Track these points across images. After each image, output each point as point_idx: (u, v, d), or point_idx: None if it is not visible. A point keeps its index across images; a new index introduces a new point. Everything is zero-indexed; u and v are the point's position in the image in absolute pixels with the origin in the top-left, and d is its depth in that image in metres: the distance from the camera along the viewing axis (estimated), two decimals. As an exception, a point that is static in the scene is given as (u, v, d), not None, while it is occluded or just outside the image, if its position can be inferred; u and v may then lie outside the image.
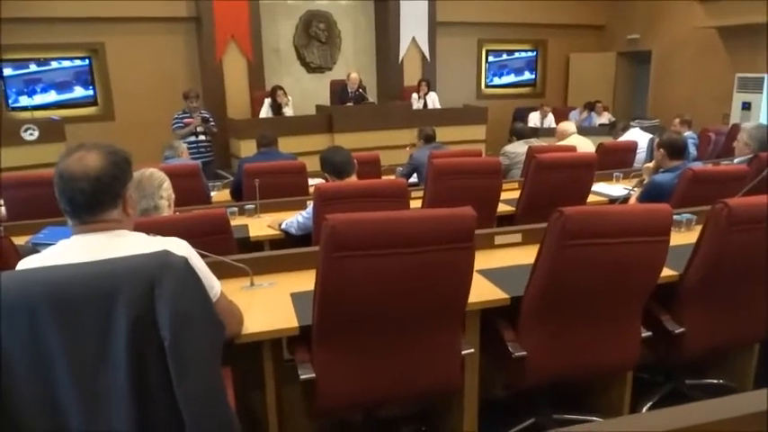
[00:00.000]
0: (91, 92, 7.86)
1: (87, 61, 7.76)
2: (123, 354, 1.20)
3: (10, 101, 7.41)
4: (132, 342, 1.20)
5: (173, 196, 2.42)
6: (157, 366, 1.23)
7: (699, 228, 2.26)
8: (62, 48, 7.55)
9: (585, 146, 5.06)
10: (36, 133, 6.27)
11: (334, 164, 3.09)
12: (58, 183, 1.40)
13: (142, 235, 1.46)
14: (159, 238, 1.48)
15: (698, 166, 3.58)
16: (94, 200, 1.41)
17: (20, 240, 2.70)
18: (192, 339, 1.24)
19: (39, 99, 7.55)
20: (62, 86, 7.71)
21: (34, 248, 2.46)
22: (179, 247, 1.37)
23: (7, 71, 7.35)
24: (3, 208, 3.75)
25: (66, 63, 7.67)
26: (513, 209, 3.75)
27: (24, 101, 7.43)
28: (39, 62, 7.52)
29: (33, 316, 1.16)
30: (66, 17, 7.21)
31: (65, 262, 1.27)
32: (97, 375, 1.22)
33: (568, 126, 5.60)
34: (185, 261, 1.25)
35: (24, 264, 1.41)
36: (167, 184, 2.35)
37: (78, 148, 1.42)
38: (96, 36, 7.60)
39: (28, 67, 7.48)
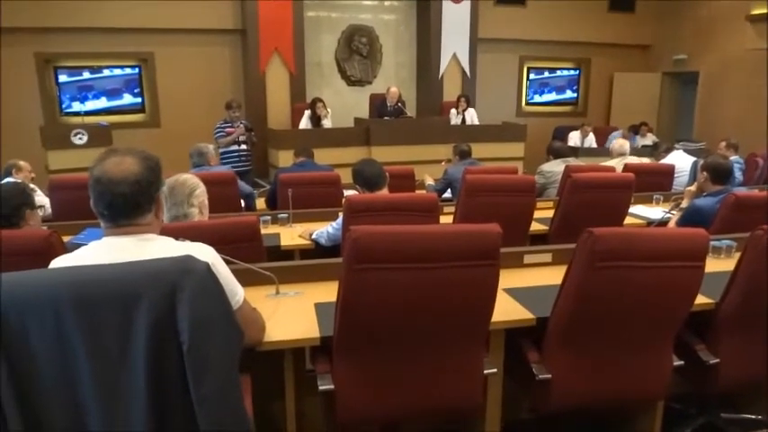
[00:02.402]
0: (139, 99, 8.14)
1: (137, 70, 8.05)
2: (143, 356, 1.22)
3: (63, 106, 7.74)
4: (152, 345, 1.22)
5: (206, 203, 2.45)
6: (176, 370, 1.25)
7: (739, 255, 2.17)
8: (114, 56, 7.86)
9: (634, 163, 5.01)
10: (85, 138, 6.51)
11: (366, 176, 3.12)
12: (95, 187, 1.43)
13: (170, 239, 1.49)
14: (186, 242, 1.51)
15: (742, 191, 3.45)
16: (133, 203, 1.44)
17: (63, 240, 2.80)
18: (211, 345, 1.25)
19: (90, 105, 7.86)
20: (112, 93, 8.01)
21: (74, 248, 2.54)
22: (204, 252, 1.39)
23: (62, 78, 7.70)
24: (49, 208, 3.90)
25: (117, 71, 7.98)
26: (547, 228, 3.69)
27: (77, 106, 7.74)
28: (92, 70, 7.84)
29: (58, 315, 1.19)
30: (118, 27, 7.51)
31: (92, 263, 1.30)
32: (118, 376, 1.24)
33: (621, 145, 5.55)
34: (207, 267, 1.27)
35: (55, 263, 1.46)
36: (200, 190, 2.37)
37: (112, 154, 1.45)
38: (146, 46, 7.88)
39: (81, 75, 7.81)
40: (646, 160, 5.55)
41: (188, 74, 8.04)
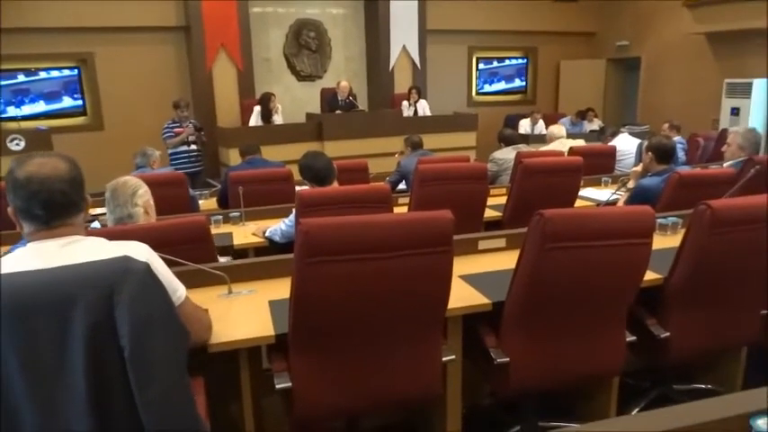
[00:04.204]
0: (80, 102, 7.81)
1: (76, 71, 7.73)
2: (81, 363, 1.17)
3: (-2, 111, 7.38)
4: (91, 351, 1.17)
5: (151, 203, 2.37)
6: (118, 375, 1.20)
7: (684, 231, 2.23)
8: (51, 58, 7.52)
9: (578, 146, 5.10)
10: (22, 143, 6.22)
11: (315, 171, 3.05)
12: (25, 188, 1.33)
13: (100, 239, 1.41)
14: (118, 242, 1.43)
15: (685, 169, 3.56)
16: (71, 201, 1.38)
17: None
18: (154, 346, 1.21)
19: (27, 109, 7.51)
20: (51, 97, 7.66)
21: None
22: (139, 251, 1.33)
23: (-5, 82, 7.32)
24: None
25: (55, 73, 7.63)
26: (501, 215, 3.73)
27: (12, 111, 7.38)
28: (27, 72, 7.48)
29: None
30: (54, 27, 7.18)
31: (21, 270, 1.22)
32: (55, 385, 1.19)
33: (558, 129, 5.63)
34: (146, 266, 1.22)
35: None
36: (143, 190, 2.30)
37: (31, 157, 1.38)
38: (85, 46, 7.57)
39: (16, 78, 7.44)
40: (581, 142, 5.67)
41: (131, 74, 7.76)
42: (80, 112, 7.84)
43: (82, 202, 1.42)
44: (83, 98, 7.82)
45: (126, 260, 1.19)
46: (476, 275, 2.29)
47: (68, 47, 7.50)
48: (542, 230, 1.78)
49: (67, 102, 7.76)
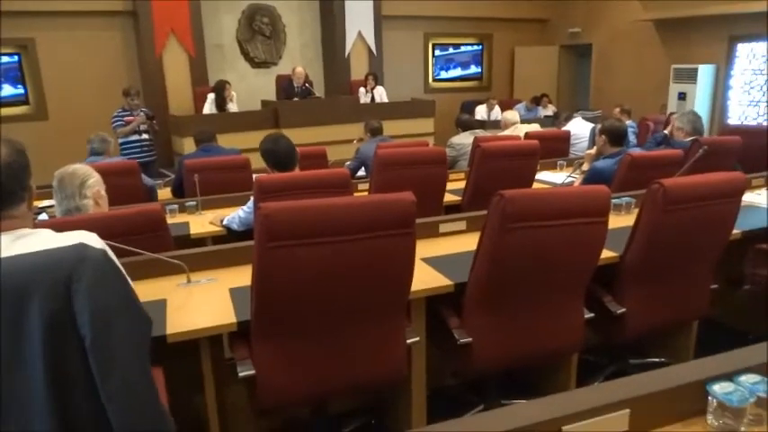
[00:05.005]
0: (21, 90, 7.47)
1: (16, 58, 7.37)
2: (39, 356, 1.12)
3: (-68, 100, 6.98)
4: (49, 342, 1.12)
5: (102, 194, 2.27)
6: (78, 365, 1.15)
7: (637, 211, 2.29)
8: (-12, 44, 7.15)
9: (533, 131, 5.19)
10: (-40, 134, 5.90)
11: (278, 155, 2.98)
12: None
13: (48, 231, 1.31)
14: (69, 233, 1.36)
15: (637, 151, 3.66)
16: (8, 190, 1.25)
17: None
18: (115, 335, 1.16)
19: (-36, 98, 7.14)
20: (-11, 85, 7.31)
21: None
22: (92, 239, 1.27)
23: (-72, 69, 6.92)
24: None
25: (-7, 60, 7.27)
26: (460, 198, 3.75)
27: (-52, 100, 7.01)
28: (-37, 59, 7.11)
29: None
30: (-9, 11, 6.83)
31: None
32: (12, 380, 1.13)
33: (512, 115, 5.70)
34: (104, 253, 1.17)
35: None
36: (93, 180, 2.19)
37: None
38: (26, 31, 7.22)
39: (-49, 65, 7.07)
40: (536, 127, 5.78)
41: (76, 61, 7.47)
42: (22, 100, 7.50)
43: (22, 192, 1.29)
44: (24, 86, 7.47)
45: (83, 247, 1.14)
46: (437, 258, 2.30)
47: (7, 32, 7.11)
48: (502, 211, 1.80)
49: (8, 90, 7.40)
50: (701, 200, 2.10)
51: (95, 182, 2.22)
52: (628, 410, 1.04)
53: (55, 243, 1.19)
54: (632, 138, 5.45)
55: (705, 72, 7.86)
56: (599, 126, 3.80)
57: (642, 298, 2.26)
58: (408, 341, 1.93)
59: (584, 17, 9.85)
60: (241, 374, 1.71)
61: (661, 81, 8.34)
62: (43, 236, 1.26)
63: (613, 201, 2.90)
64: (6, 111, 7.30)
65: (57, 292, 1.11)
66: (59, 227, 1.47)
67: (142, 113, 6.05)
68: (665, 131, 4.52)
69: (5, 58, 7.31)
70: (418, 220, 1.72)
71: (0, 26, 6.93)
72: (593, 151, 3.72)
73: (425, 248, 2.34)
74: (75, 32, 7.43)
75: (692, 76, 7.91)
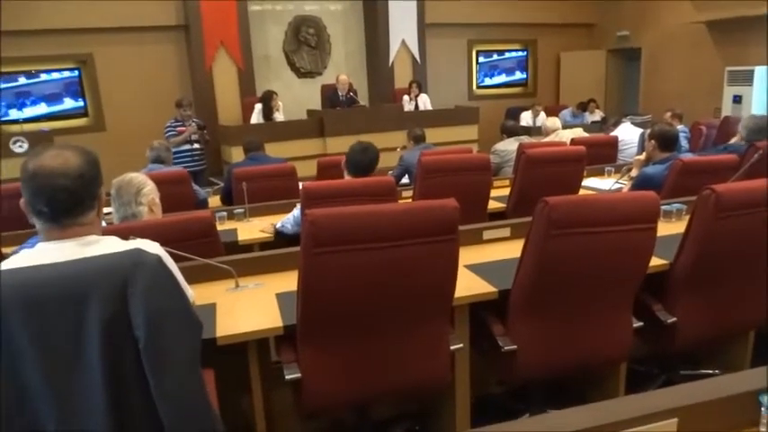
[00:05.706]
0: (81, 103, 7.83)
1: (77, 72, 7.74)
2: (97, 355, 1.18)
3: (0, 114, 7.39)
4: (106, 342, 1.18)
5: (156, 201, 2.36)
6: (133, 366, 1.21)
7: (688, 217, 2.23)
8: (51, 60, 7.52)
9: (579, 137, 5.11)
10: (25, 145, 6.24)
11: (356, 164, 3.06)
12: (31, 182, 1.29)
13: (115, 238, 1.39)
14: (133, 241, 1.43)
15: (688, 156, 3.56)
16: (77, 199, 1.32)
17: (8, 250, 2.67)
18: (168, 338, 1.21)
19: (29, 112, 7.52)
20: (52, 98, 7.67)
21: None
22: (151, 247, 1.34)
23: (-4, 85, 7.34)
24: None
25: (56, 75, 7.64)
26: (504, 206, 3.73)
27: (15, 114, 7.40)
28: (28, 75, 7.49)
29: (4, 318, 1.13)
30: (53, 29, 7.18)
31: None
32: (71, 376, 1.20)
33: (552, 122, 5.64)
34: (158, 258, 1.22)
35: None
36: (148, 188, 2.29)
37: (48, 148, 1.36)
38: (85, 47, 7.57)
39: (17, 80, 7.45)
40: (579, 131, 5.67)
41: (131, 74, 7.77)
42: (81, 113, 7.85)
43: (92, 201, 1.36)
44: (84, 99, 7.83)
45: (138, 252, 1.20)
46: (481, 265, 2.29)
47: (68, 48, 7.50)
48: (548, 217, 1.79)
49: (69, 103, 7.77)
50: (756, 206, 2.02)
51: (150, 190, 2.32)
52: (676, 420, 1.03)
53: (118, 250, 1.25)
54: (684, 143, 5.29)
55: (761, 74, 7.55)
56: (648, 131, 3.72)
57: (693, 307, 2.20)
58: (452, 347, 1.93)
59: (632, 20, 9.62)
60: (288, 377, 1.75)
61: (714, 84, 8.06)
62: (109, 243, 1.33)
63: (663, 207, 2.83)
64: (68, 123, 7.68)
65: (114, 295, 1.16)
66: (117, 232, 1.55)
67: (194, 124, 6.24)
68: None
69: (66, 73, 7.69)
70: (462, 227, 1.73)
71: (62, 43, 7.31)
72: (642, 157, 3.64)
73: (469, 255, 2.34)
74: (130, 47, 7.74)
75: (747, 79, 7.62)
